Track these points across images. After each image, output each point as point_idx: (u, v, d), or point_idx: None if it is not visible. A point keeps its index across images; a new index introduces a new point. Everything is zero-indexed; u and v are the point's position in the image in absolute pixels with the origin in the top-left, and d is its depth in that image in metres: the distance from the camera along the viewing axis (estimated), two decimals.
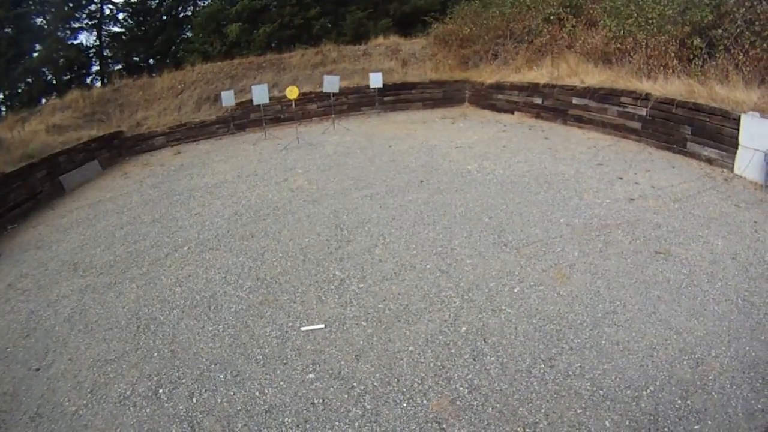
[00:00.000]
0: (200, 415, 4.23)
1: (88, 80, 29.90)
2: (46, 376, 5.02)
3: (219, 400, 4.39)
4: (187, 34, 31.71)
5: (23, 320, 6.22)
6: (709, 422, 3.60)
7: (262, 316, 5.58)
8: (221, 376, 4.69)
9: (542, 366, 4.35)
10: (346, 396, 4.26)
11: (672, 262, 5.77)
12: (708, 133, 8.95)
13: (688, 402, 3.80)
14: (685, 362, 4.22)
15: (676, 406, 3.78)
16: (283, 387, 4.46)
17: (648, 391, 3.96)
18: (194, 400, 4.42)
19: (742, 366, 4.11)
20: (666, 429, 3.59)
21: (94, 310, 6.20)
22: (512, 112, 15.21)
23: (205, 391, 4.53)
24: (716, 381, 3.98)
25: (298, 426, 4.01)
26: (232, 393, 4.47)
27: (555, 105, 13.52)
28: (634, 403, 3.85)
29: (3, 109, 27.54)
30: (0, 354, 5.56)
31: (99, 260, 7.70)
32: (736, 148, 8.26)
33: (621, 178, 8.56)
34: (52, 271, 7.57)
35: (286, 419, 4.10)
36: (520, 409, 3.90)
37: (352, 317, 5.39)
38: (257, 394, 4.43)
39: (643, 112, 10.56)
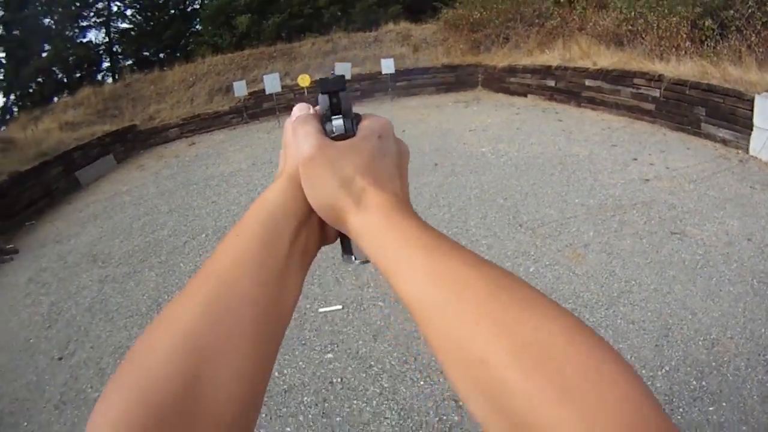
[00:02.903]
0: None
1: (99, 77, 30.41)
2: (69, 364, 5.12)
3: None
4: (197, 27, 31.84)
5: (45, 312, 6.34)
6: (724, 404, 3.61)
7: None
8: None
9: None
10: (364, 375, 4.32)
11: (687, 243, 5.76)
12: (722, 114, 8.88)
13: (703, 383, 3.81)
14: (700, 343, 4.23)
15: (691, 386, 3.79)
16: (302, 367, 4.52)
17: (663, 371, 3.98)
18: None
19: (757, 348, 4.11)
20: (681, 409, 3.61)
21: (115, 299, 6.30)
22: (525, 95, 15.12)
23: None
24: (731, 362, 3.98)
25: (316, 405, 4.08)
26: None
27: (568, 87, 13.45)
28: (649, 383, 3.84)
29: (15, 109, 27.82)
30: (23, 345, 5.68)
31: (118, 251, 7.82)
32: (751, 130, 8.20)
33: (635, 159, 8.53)
34: (72, 263, 7.69)
35: (305, 398, 4.16)
36: None
37: (369, 298, 5.44)
38: (276, 374, 4.47)
39: (657, 93, 10.48)
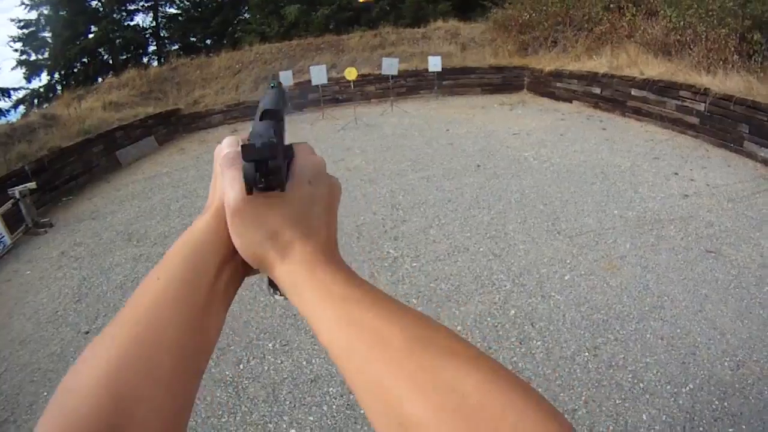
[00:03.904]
0: (246, 381, 4.50)
1: (145, 60, 30.45)
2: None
3: (266, 368, 4.65)
4: (245, 15, 31.84)
5: (75, 286, 6.58)
6: (744, 427, 3.67)
7: None
8: (270, 345, 4.96)
9: (586, 354, 4.50)
10: None
11: (722, 262, 5.80)
12: (765, 132, 8.82)
13: (725, 404, 3.87)
14: (726, 363, 4.28)
15: (713, 406, 3.86)
16: (329, 357, 4.68)
17: (687, 388, 4.05)
18: (241, 366, 4.70)
19: None
20: (701, 428, 3.68)
21: None
22: (570, 101, 15.11)
23: (253, 358, 4.79)
24: (755, 386, 4.03)
25: (341, 396, 4.23)
26: (279, 361, 4.72)
27: (613, 95, 13.40)
28: (672, 399, 3.95)
29: (59, 87, 28.06)
30: (51, 317, 5.92)
31: (153, 231, 8.07)
32: None
33: (676, 174, 8.55)
34: (107, 240, 7.97)
35: (331, 389, 4.32)
36: (561, 394, 4.06)
37: (403, 294, 5.57)
38: (304, 363, 4.66)
39: (702, 107, 10.42)
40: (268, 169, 0.54)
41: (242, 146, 0.54)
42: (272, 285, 0.62)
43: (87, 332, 5.47)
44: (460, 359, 0.43)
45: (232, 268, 0.60)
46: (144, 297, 0.54)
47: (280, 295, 0.61)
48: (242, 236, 0.57)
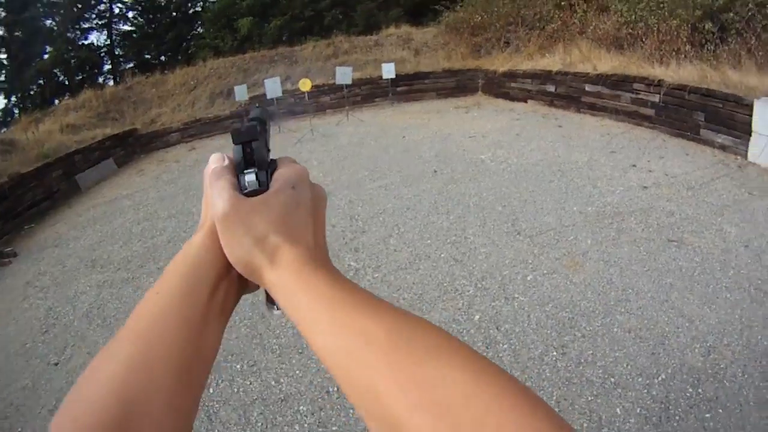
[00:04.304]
0: (217, 405, 4.34)
1: (101, 79, 30.55)
2: (65, 369, 5.17)
3: (235, 390, 4.50)
4: (198, 29, 31.93)
5: (42, 317, 6.37)
6: (720, 411, 3.63)
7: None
8: (237, 366, 4.80)
9: (554, 353, 4.41)
10: None
11: (685, 250, 5.78)
12: (721, 119, 8.88)
13: (700, 390, 3.82)
14: (696, 350, 4.24)
15: (687, 394, 3.81)
16: (298, 376, 4.55)
17: (659, 378, 3.99)
18: (211, 390, 4.53)
19: (753, 355, 4.13)
20: (677, 417, 3.63)
21: (112, 304, 6.35)
22: (525, 101, 15.13)
23: (222, 381, 4.64)
24: (728, 369, 3.99)
25: (312, 414, 4.11)
26: (248, 383, 4.58)
27: (568, 92, 13.45)
28: (645, 391, 3.88)
29: (16, 111, 27.87)
30: (19, 349, 5.71)
31: (116, 256, 7.84)
32: (750, 135, 8.19)
33: (634, 166, 8.55)
34: (70, 268, 7.72)
35: (301, 407, 4.19)
36: None
37: None
38: (273, 383, 4.53)
39: (656, 98, 10.48)
40: (252, 150, 0.62)
41: (231, 131, 0.62)
42: (269, 300, 0.62)
43: (56, 363, 5.30)
44: (445, 355, 0.43)
45: (228, 284, 0.61)
46: (145, 313, 0.56)
47: (278, 309, 0.61)
48: (231, 244, 0.58)
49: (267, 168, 0.64)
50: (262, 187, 0.62)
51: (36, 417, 4.53)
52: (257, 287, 0.64)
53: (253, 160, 0.63)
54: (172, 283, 0.57)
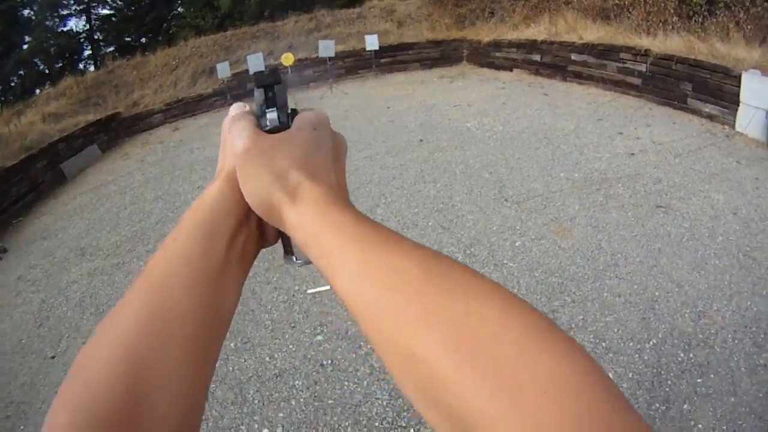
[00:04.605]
0: (213, 385, 4.28)
1: (81, 66, 29.59)
2: (62, 362, 5.10)
3: (231, 368, 4.47)
4: (179, 9, 31.36)
5: (35, 310, 6.27)
6: (712, 376, 3.64)
7: (268, 282, 5.62)
8: (231, 345, 4.76)
9: None
10: (353, 355, 4.33)
11: (673, 216, 5.77)
12: (709, 89, 8.87)
13: (691, 355, 3.83)
14: (686, 315, 4.25)
15: (679, 359, 3.81)
16: (292, 350, 4.53)
17: (650, 343, 3.99)
18: None
19: (743, 320, 4.13)
20: (669, 382, 3.63)
21: (104, 291, 6.29)
22: (511, 70, 15.04)
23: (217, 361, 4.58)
24: (718, 335, 4.00)
25: (308, 388, 4.09)
26: (243, 360, 4.56)
27: (554, 62, 13.38)
28: (637, 356, 3.89)
29: None
30: (15, 346, 5.62)
31: (105, 242, 7.76)
32: (738, 106, 8.20)
33: (621, 133, 8.51)
34: (60, 258, 7.62)
35: (297, 382, 4.18)
36: None
37: None
38: (267, 359, 4.51)
39: (643, 68, 10.45)
40: (275, 94, 0.61)
41: (254, 73, 0.59)
42: (287, 251, 0.62)
43: (53, 357, 5.23)
44: (479, 290, 0.40)
45: (247, 233, 0.59)
46: (160, 262, 0.53)
47: (298, 260, 0.60)
48: (250, 181, 0.56)
49: (288, 110, 0.63)
50: (284, 125, 0.61)
51: (36, 413, 4.45)
52: (276, 239, 0.63)
53: (275, 103, 0.61)
54: (189, 229, 0.55)
